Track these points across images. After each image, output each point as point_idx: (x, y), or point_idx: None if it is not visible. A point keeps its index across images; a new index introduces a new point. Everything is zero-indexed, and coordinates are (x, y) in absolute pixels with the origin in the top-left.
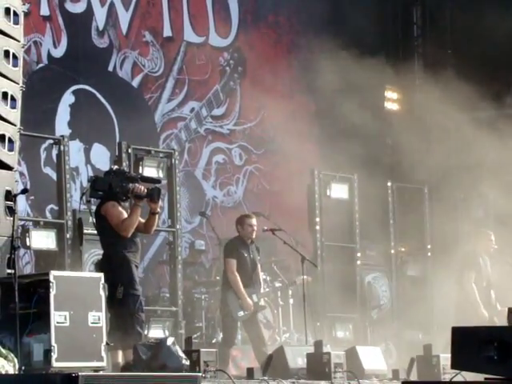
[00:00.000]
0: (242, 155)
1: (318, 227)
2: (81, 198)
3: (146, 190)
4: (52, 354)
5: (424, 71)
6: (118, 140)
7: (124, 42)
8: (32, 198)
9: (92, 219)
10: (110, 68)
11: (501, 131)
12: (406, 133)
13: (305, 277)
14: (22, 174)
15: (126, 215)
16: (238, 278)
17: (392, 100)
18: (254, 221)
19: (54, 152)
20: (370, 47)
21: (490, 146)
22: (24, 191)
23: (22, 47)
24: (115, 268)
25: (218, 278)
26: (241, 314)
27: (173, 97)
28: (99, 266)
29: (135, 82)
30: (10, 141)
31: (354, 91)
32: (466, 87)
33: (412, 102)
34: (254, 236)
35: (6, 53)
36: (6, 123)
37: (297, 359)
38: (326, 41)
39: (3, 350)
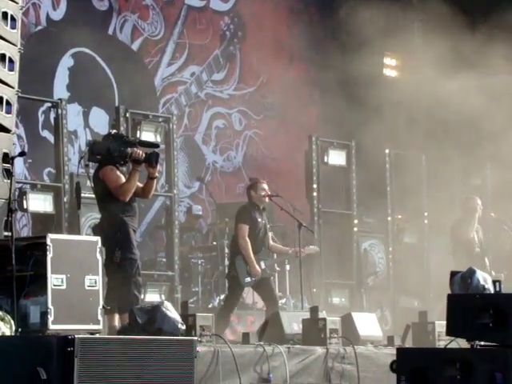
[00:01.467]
0: (241, 120)
1: (315, 194)
2: (79, 161)
3: (144, 155)
4: (48, 316)
5: (423, 37)
6: (116, 103)
7: (124, 5)
8: (29, 161)
9: (90, 183)
10: (110, 31)
11: (503, 94)
12: (405, 99)
13: (312, 246)
14: (19, 136)
15: (124, 179)
16: (249, 244)
17: (391, 67)
18: (266, 185)
19: (52, 115)
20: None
21: (490, 112)
22: (21, 154)
23: (21, 9)
24: (113, 232)
25: (214, 243)
26: (247, 280)
27: (173, 61)
28: (97, 230)
29: (135, 46)
30: (8, 103)
31: (353, 58)
32: (466, 49)
33: (411, 68)
34: (266, 201)
35: (5, 15)
36: (4, 85)
37: (292, 325)
38: (326, 6)
39: (0, 312)
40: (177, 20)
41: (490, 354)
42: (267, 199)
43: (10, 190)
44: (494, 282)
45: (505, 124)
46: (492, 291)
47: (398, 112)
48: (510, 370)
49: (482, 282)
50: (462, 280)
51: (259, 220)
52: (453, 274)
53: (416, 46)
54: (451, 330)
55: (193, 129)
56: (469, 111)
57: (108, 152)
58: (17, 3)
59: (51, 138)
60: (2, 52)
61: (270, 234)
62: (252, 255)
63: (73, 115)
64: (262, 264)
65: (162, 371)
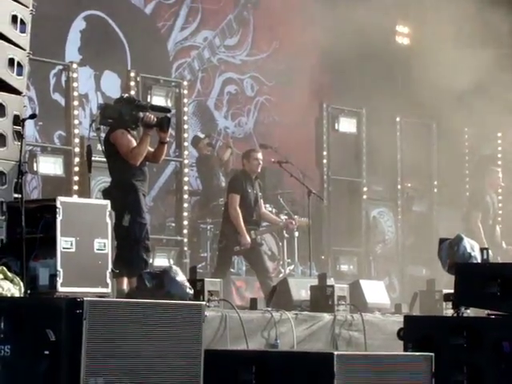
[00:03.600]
0: (253, 86)
1: (325, 161)
2: (90, 125)
3: (155, 119)
4: (57, 278)
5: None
6: (128, 67)
7: None
8: (40, 123)
9: (101, 147)
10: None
11: None
12: (416, 68)
13: (304, 219)
14: (30, 99)
15: (135, 143)
16: (240, 213)
17: (403, 34)
18: (260, 155)
19: (64, 78)
20: None
21: (504, 85)
22: (32, 116)
23: None
24: (123, 196)
25: (223, 208)
26: (237, 249)
27: (186, 25)
28: (106, 194)
29: (148, 9)
30: (19, 65)
31: (365, 26)
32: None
33: (423, 36)
34: (259, 170)
35: None
36: (16, 47)
37: (300, 291)
38: None
39: (9, 274)
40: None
41: (497, 323)
42: (278, 165)
43: (21, 152)
44: (482, 250)
45: None
46: (479, 259)
47: (410, 80)
48: None
49: (468, 250)
50: (450, 247)
51: (249, 190)
52: (441, 241)
53: (429, 15)
54: (460, 299)
55: (205, 94)
56: (480, 81)
57: (119, 116)
58: None
59: (62, 101)
60: (14, 13)
61: (262, 203)
62: (242, 225)
63: (84, 78)
64: (253, 233)
65: (170, 335)
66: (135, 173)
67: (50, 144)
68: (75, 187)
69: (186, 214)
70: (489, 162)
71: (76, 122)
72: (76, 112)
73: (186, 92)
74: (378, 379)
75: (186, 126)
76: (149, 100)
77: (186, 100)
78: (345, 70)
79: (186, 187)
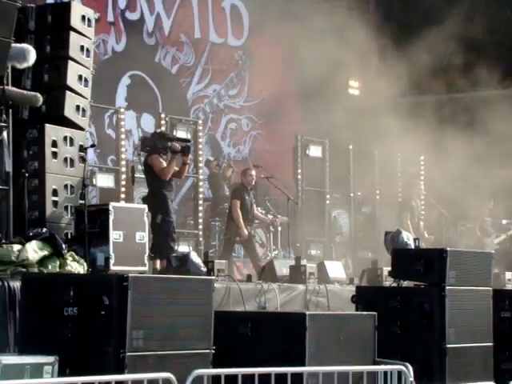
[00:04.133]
0: (248, 124)
1: (299, 177)
2: (133, 151)
3: (180, 147)
4: (110, 260)
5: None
6: (160, 111)
7: (166, 41)
8: (98, 150)
9: (141, 167)
10: (157, 59)
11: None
12: (364, 111)
13: (285, 217)
14: (91, 133)
15: (165, 164)
16: (240, 214)
17: (354, 87)
18: (253, 172)
19: (114, 118)
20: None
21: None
22: (92, 146)
23: (93, 43)
24: (156, 202)
25: (227, 211)
26: (237, 239)
27: (200, 81)
28: (145, 200)
29: (173, 70)
30: (83, 110)
31: (328, 82)
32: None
33: (370, 89)
34: (253, 183)
35: (82, 47)
36: (81, 97)
37: (282, 269)
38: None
39: (76, 257)
40: (203, 52)
41: (421, 291)
42: (266, 180)
43: (84, 171)
44: (415, 240)
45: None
46: (412, 246)
47: (359, 118)
48: (434, 301)
49: (405, 240)
50: (392, 238)
51: (246, 197)
52: (386, 233)
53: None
54: (395, 274)
55: (214, 129)
56: (406, 122)
57: (154, 145)
58: (90, 39)
59: (113, 135)
60: (80, 73)
61: (255, 207)
62: (242, 222)
63: (129, 118)
64: (248, 228)
65: (189, 301)
66: (165, 185)
67: (105, 165)
68: (122, 196)
69: (200, 214)
70: (414, 177)
71: (123, 149)
72: (123, 142)
73: (200, 128)
74: (338, 331)
75: (200, 152)
76: (174, 133)
77: (200, 133)
78: (313, 111)
79: (200, 195)
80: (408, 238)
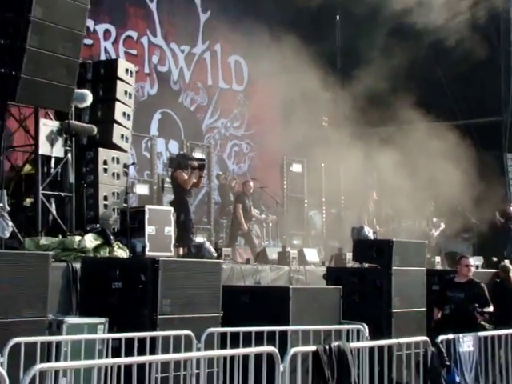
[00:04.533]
0: (247, 147)
1: (285, 186)
2: (163, 168)
3: (197, 164)
4: (146, 248)
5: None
6: (182, 138)
7: (187, 87)
8: (137, 167)
9: (169, 179)
10: (180, 100)
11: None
12: (330, 140)
13: (274, 216)
14: (132, 155)
15: (186, 177)
16: (241, 214)
17: (325, 121)
18: (251, 183)
19: (149, 144)
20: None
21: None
22: (132, 164)
23: (134, 89)
24: (180, 205)
25: (232, 212)
26: (239, 232)
27: (212, 116)
28: (171, 204)
29: (192, 108)
30: (126, 137)
31: (305, 118)
32: None
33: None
34: (251, 191)
35: (125, 92)
36: (124, 128)
37: (272, 254)
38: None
39: (121, 245)
40: (214, 95)
41: (374, 270)
42: (261, 189)
43: (127, 182)
44: (373, 233)
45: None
46: (372, 238)
47: (329, 143)
48: (383, 278)
49: (367, 233)
50: (357, 231)
51: (246, 202)
52: (353, 229)
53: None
54: (356, 258)
55: (222, 151)
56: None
57: (178, 163)
58: (132, 86)
59: (148, 156)
60: (124, 111)
61: (252, 209)
62: (243, 220)
63: (160, 144)
64: (248, 225)
65: (203, 277)
66: (186, 193)
67: (142, 178)
68: (154, 200)
69: (212, 214)
70: (369, 187)
71: (155, 166)
72: (155, 161)
73: (211, 150)
74: (313, 300)
75: (212, 168)
76: (193, 154)
77: (212, 155)
78: (295, 138)
79: (212, 200)
80: (368, 231)
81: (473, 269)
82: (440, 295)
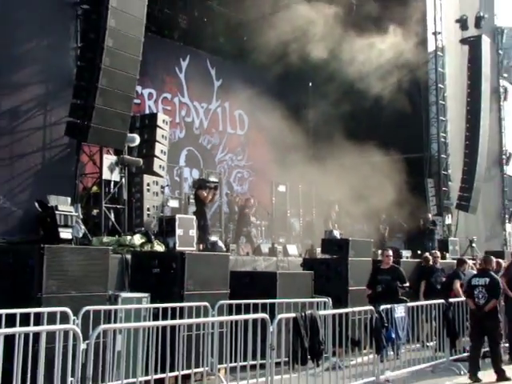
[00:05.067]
0: (247, 174)
1: (273, 201)
2: (189, 188)
3: (213, 185)
4: (176, 244)
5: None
6: (201, 167)
7: (205, 132)
8: (170, 188)
9: (192, 196)
10: (200, 141)
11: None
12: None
13: (266, 222)
14: (167, 179)
15: (205, 195)
16: (244, 220)
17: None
18: (252, 200)
19: (179, 171)
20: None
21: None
22: (167, 185)
23: (168, 133)
24: (200, 214)
25: (237, 219)
26: (242, 233)
27: (222, 152)
28: (194, 213)
29: (208, 147)
30: (163, 167)
31: (288, 154)
32: None
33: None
34: (250, 205)
35: (162, 135)
36: (161, 161)
37: (265, 249)
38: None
39: (159, 242)
40: (224, 137)
41: (336, 260)
42: (257, 203)
43: (163, 198)
44: (340, 234)
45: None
46: (338, 237)
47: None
48: (343, 267)
49: (335, 235)
50: (329, 233)
51: (247, 211)
52: (325, 231)
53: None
54: (324, 251)
55: (229, 176)
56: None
57: (199, 185)
58: (167, 131)
59: (178, 180)
60: (161, 149)
61: (251, 217)
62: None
63: (186, 171)
64: (248, 228)
65: (216, 265)
66: (205, 206)
67: (174, 196)
68: (182, 211)
69: (223, 221)
70: (332, 202)
71: (183, 187)
72: (183, 184)
73: (222, 176)
74: (293, 281)
75: (222, 189)
76: (209, 178)
77: (222, 179)
78: (282, 168)
79: (223, 211)
80: (337, 233)
81: (391, 258)
82: (372, 278)
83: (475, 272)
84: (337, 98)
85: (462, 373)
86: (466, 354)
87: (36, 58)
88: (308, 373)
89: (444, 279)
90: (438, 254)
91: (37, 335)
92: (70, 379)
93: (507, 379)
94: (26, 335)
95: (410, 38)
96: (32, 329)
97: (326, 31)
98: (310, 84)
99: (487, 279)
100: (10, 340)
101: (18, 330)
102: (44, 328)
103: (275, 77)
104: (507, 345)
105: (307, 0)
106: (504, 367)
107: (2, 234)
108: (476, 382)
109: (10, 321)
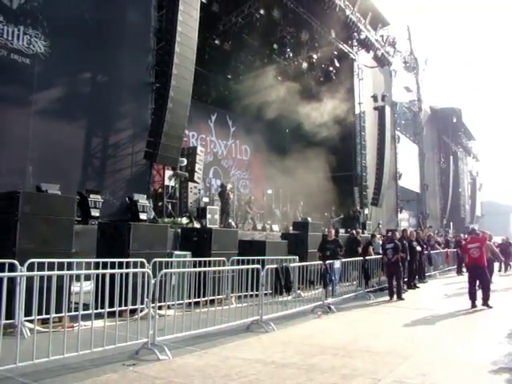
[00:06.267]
0: (249, 182)
1: (265, 199)
2: (215, 190)
3: (228, 189)
4: (207, 223)
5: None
6: (222, 179)
7: (224, 158)
8: (203, 190)
9: (217, 195)
10: (222, 163)
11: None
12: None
13: (262, 211)
14: (201, 185)
15: (226, 194)
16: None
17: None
18: (252, 198)
19: (208, 181)
20: None
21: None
22: (202, 188)
23: (203, 158)
24: (223, 207)
25: (242, 210)
26: (248, 217)
27: (234, 170)
28: (220, 206)
29: (226, 166)
30: (199, 178)
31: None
32: None
33: None
34: (252, 201)
35: (199, 159)
36: (199, 174)
37: (259, 227)
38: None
39: (197, 222)
40: (235, 161)
41: (301, 234)
42: (255, 200)
43: (199, 196)
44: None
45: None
46: (308, 221)
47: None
48: (305, 238)
49: (308, 220)
50: (304, 219)
51: (251, 205)
52: (302, 218)
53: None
54: (294, 229)
55: (238, 184)
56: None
57: (222, 189)
58: (202, 156)
59: (208, 185)
60: (199, 167)
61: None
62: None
63: (213, 181)
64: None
65: (231, 237)
66: (226, 202)
67: (205, 195)
68: (211, 204)
69: (235, 210)
70: (299, 199)
71: (212, 189)
72: (211, 188)
73: (234, 184)
74: (275, 247)
75: (234, 192)
76: (227, 185)
77: (234, 186)
78: (268, 179)
79: (234, 205)
80: (308, 219)
81: (332, 233)
82: (321, 246)
83: (381, 242)
84: (302, 139)
85: (372, 299)
86: (373, 288)
87: (128, 114)
88: (283, 299)
89: (362, 246)
90: (360, 231)
91: (127, 274)
92: (145, 299)
93: (402, 299)
94: (121, 274)
95: (345, 105)
96: (125, 271)
97: (293, 101)
98: (287, 130)
99: (393, 244)
100: (113, 275)
101: (117, 271)
102: (131, 270)
103: (267, 125)
104: (406, 279)
105: (287, 79)
106: (403, 294)
107: (107, 216)
108: (391, 300)
109: (113, 266)
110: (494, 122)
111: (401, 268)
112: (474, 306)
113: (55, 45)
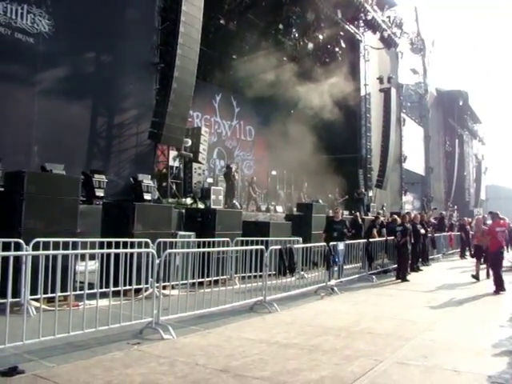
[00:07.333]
0: (253, 163)
1: (269, 180)
2: (219, 170)
3: (233, 170)
4: (211, 204)
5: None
6: (226, 159)
7: (228, 138)
8: (208, 171)
9: (222, 176)
10: (226, 144)
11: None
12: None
13: (265, 190)
14: (206, 166)
15: (230, 175)
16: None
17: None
18: (255, 178)
19: (213, 161)
20: None
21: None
22: (206, 169)
23: (208, 138)
24: (228, 188)
25: (247, 190)
26: (251, 198)
27: (238, 151)
28: (225, 187)
29: (230, 147)
30: (204, 159)
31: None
32: None
33: None
34: (255, 181)
35: (204, 140)
36: (203, 154)
37: (263, 208)
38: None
39: (201, 202)
40: (239, 142)
41: (306, 216)
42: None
43: (203, 176)
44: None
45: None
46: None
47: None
48: (309, 219)
49: (319, 201)
50: (312, 200)
51: (254, 185)
52: (312, 200)
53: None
54: (298, 210)
55: (242, 165)
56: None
57: (226, 170)
58: (206, 137)
59: (212, 166)
60: (203, 147)
61: (257, 190)
62: (253, 193)
63: (217, 162)
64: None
65: (235, 217)
66: (230, 182)
67: (210, 175)
68: (215, 185)
69: (239, 191)
70: (303, 182)
71: (216, 170)
72: (216, 168)
73: (238, 165)
74: (279, 228)
75: (238, 172)
76: (231, 166)
77: (238, 167)
78: (273, 160)
79: (239, 186)
80: (315, 201)
81: (340, 214)
82: (328, 227)
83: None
84: (307, 120)
85: (374, 280)
86: (376, 271)
87: (133, 94)
88: (287, 280)
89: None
90: (363, 213)
91: (132, 254)
92: (150, 279)
93: (408, 280)
94: (126, 254)
95: (350, 87)
96: (129, 250)
97: (298, 82)
98: (292, 111)
99: (402, 227)
100: (117, 255)
101: (122, 250)
102: (135, 250)
103: (271, 106)
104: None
105: (292, 60)
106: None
107: (111, 196)
108: (397, 280)
109: (117, 246)
110: (502, 105)
111: (409, 251)
112: (503, 289)
113: (59, 24)
